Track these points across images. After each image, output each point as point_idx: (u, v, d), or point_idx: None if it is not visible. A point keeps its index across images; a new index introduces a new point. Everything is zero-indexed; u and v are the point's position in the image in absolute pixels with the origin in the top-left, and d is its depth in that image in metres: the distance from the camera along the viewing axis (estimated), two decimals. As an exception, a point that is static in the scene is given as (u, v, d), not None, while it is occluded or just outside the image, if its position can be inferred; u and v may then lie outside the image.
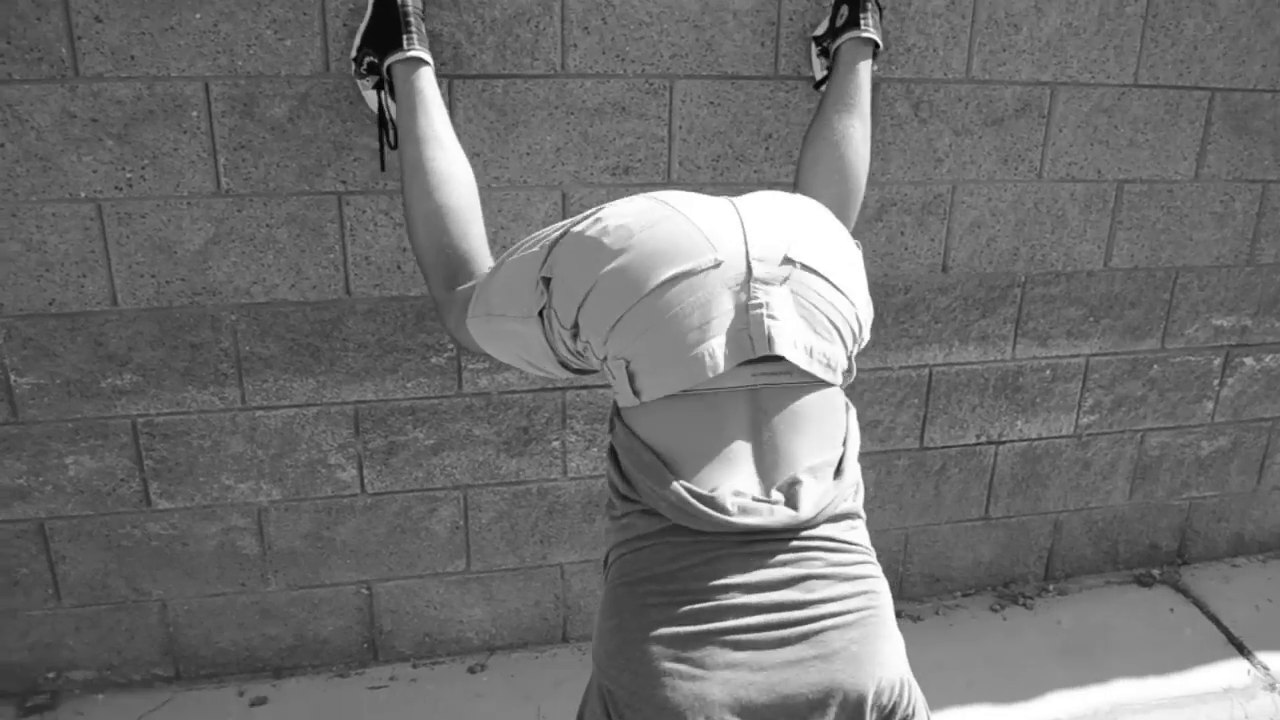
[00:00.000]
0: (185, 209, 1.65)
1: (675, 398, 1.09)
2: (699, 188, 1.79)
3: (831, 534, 1.13)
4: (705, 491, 1.07)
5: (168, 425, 1.78)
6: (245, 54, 1.58)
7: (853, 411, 1.24)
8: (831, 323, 1.10)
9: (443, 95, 1.64)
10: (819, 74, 1.73)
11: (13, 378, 1.70)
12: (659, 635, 1.04)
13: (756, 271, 1.06)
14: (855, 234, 1.87)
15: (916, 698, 1.16)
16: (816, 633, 1.08)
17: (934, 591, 2.24)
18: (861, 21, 1.57)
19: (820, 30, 1.70)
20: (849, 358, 1.15)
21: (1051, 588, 2.23)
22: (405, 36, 1.41)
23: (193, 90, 1.59)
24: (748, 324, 1.06)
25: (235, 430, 1.81)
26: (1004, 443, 2.15)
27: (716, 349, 1.06)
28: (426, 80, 1.42)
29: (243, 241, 1.69)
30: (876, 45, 1.58)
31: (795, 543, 1.10)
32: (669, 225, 1.08)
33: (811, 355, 1.10)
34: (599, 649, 1.08)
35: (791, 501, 1.09)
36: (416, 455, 1.90)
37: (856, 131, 1.52)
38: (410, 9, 1.43)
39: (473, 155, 1.70)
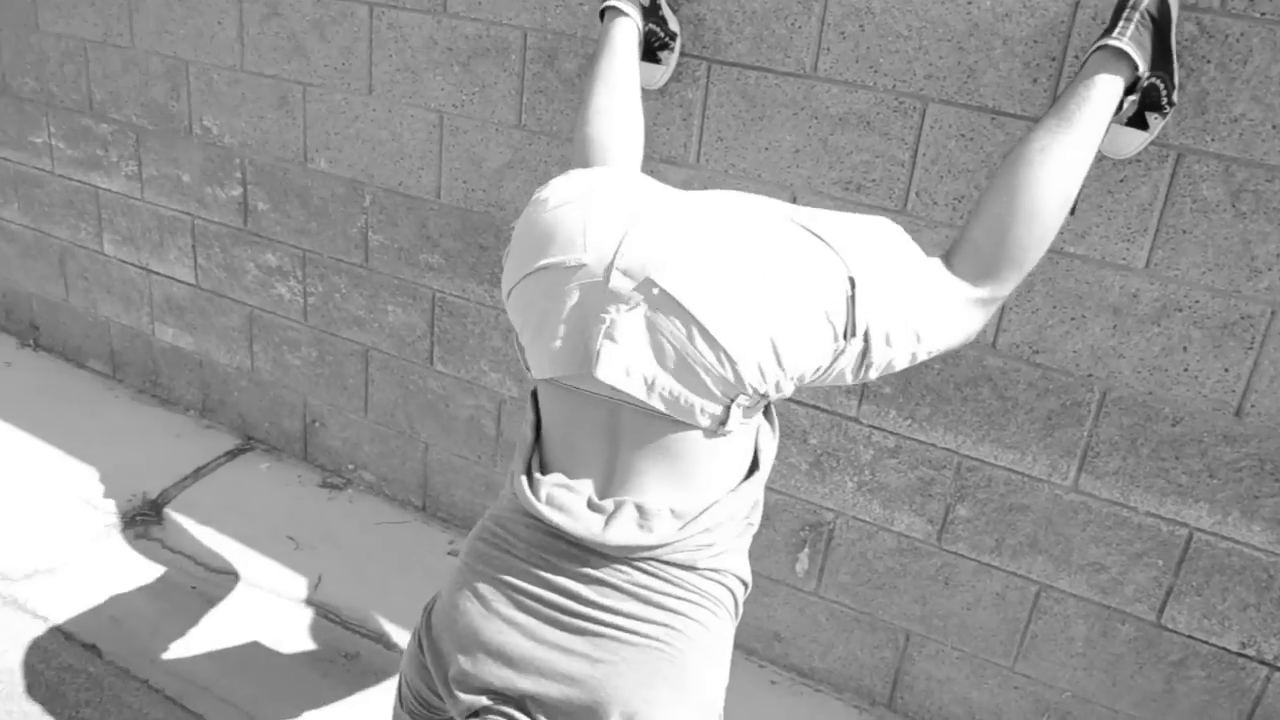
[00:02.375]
0: (494, 133, 2.07)
1: (554, 384, 1.17)
2: (933, 226, 1.69)
3: (654, 566, 1.14)
4: (539, 475, 1.17)
5: (454, 305, 2.26)
6: (554, 12, 1.91)
7: (756, 470, 1.19)
8: (689, 363, 1.07)
9: (701, 77, 1.80)
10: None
11: (369, 234, 2.31)
12: (477, 566, 1.20)
13: (614, 283, 1.08)
14: (1142, 317, 1.58)
15: None
16: (594, 634, 1.13)
17: (1121, 800, 1.83)
18: (1117, 28, 1.31)
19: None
20: (726, 408, 1.10)
21: None
22: None
23: (515, 37, 1.97)
24: (588, 337, 1.10)
25: (497, 326, 2.22)
26: (1285, 669, 1.66)
27: (558, 350, 1.13)
28: (620, 29, 1.60)
29: (528, 170, 2.05)
30: (1134, 65, 1.30)
31: (635, 557, 1.13)
32: (565, 211, 1.15)
33: (651, 387, 1.08)
34: None
35: (610, 520, 1.12)
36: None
37: (1062, 154, 1.24)
38: None
39: (716, 139, 1.83)
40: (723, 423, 1.12)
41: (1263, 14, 1.39)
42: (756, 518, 1.25)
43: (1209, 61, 1.44)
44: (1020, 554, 1.81)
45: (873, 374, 1.21)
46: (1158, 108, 1.45)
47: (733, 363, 1.07)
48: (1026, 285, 1.67)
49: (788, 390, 1.14)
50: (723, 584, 1.19)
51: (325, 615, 2.16)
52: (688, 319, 1.06)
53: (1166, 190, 1.52)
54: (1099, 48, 1.31)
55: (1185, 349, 1.58)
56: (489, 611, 1.18)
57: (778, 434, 1.28)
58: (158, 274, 2.72)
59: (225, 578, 2.24)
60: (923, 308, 1.21)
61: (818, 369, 1.15)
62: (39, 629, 2.01)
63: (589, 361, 1.11)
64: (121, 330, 2.87)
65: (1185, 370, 1.59)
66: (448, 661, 1.19)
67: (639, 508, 1.13)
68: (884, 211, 1.73)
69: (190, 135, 2.49)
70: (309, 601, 2.19)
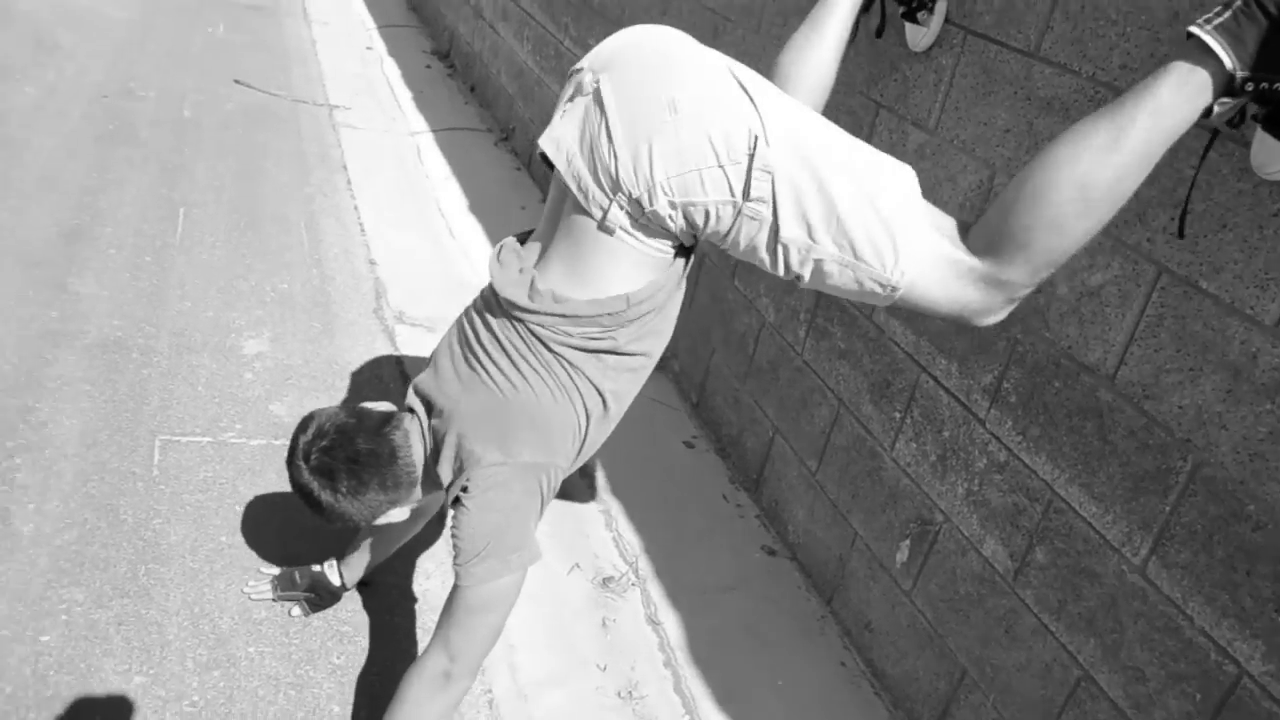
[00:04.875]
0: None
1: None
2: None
3: (523, 330, 1.42)
4: (510, 238, 1.51)
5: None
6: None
7: (642, 300, 1.38)
8: (594, 149, 1.30)
9: (957, 45, 1.87)
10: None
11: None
12: (468, 306, 1.58)
13: (584, 79, 1.35)
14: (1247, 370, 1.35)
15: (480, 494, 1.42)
16: (473, 370, 1.50)
17: None
18: (1209, 15, 1.15)
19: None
20: (610, 200, 1.31)
21: None
22: None
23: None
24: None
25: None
26: None
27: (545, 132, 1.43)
28: None
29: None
30: (1220, 61, 1.14)
31: (514, 314, 1.44)
32: (611, 40, 1.41)
33: (569, 163, 1.33)
34: None
35: (516, 282, 1.43)
36: (830, 351, 2.25)
37: (1094, 139, 1.16)
38: None
39: (954, 108, 1.87)
40: (605, 215, 1.33)
41: None
42: (629, 345, 1.43)
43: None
44: (1076, 627, 1.60)
45: (797, 265, 1.28)
46: (1319, 127, 1.22)
47: (616, 156, 1.28)
48: (1156, 318, 1.47)
49: (662, 208, 1.28)
50: (571, 376, 1.43)
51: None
52: (602, 112, 1.30)
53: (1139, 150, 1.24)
54: (1186, 35, 1.18)
55: (1290, 439, 1.29)
56: (451, 341, 1.57)
57: (681, 290, 1.44)
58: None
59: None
60: (872, 228, 1.25)
61: (707, 213, 1.28)
62: (380, 337, 2.84)
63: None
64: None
65: (1284, 466, 1.29)
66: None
67: (533, 281, 1.42)
68: (1058, 207, 1.64)
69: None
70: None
